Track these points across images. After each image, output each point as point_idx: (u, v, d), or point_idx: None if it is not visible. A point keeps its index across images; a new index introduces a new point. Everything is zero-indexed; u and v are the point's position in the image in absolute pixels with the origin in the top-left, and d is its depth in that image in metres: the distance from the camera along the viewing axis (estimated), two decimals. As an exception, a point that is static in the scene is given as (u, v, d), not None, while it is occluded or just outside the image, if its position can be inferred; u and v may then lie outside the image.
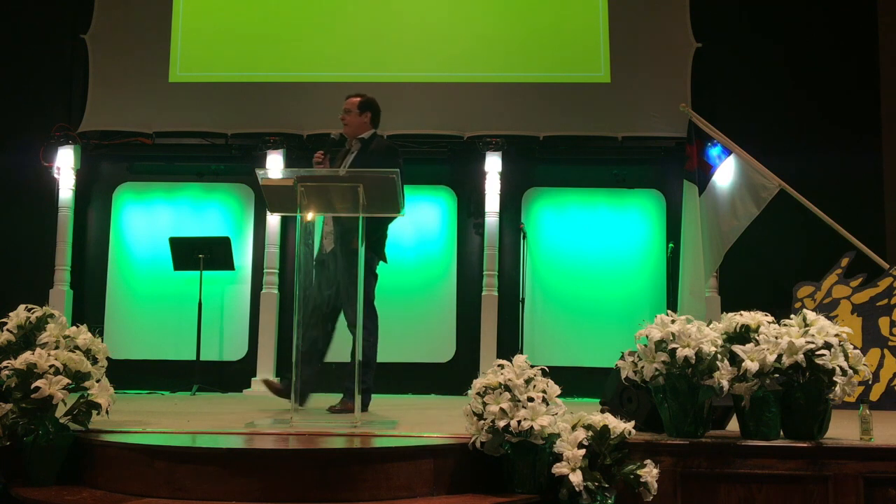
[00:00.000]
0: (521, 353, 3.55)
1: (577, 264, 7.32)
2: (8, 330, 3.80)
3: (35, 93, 7.57)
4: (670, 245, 7.17)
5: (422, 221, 7.40)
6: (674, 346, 3.43)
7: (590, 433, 3.25)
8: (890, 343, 5.66)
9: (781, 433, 3.56)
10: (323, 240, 4.86)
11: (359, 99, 4.96)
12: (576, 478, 3.13)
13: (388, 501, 3.11)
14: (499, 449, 3.26)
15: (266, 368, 7.04)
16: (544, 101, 7.34)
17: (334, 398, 4.66)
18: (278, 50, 7.48)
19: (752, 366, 3.44)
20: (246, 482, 3.06)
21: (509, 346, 6.80)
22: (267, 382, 5.20)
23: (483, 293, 7.09)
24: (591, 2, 7.44)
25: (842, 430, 3.71)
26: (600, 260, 7.31)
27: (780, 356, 3.46)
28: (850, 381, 3.50)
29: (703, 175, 6.71)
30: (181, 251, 6.93)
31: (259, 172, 4.19)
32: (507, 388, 3.27)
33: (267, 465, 3.09)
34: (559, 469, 3.17)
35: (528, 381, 3.31)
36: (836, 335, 3.51)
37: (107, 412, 3.55)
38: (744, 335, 3.61)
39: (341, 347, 4.62)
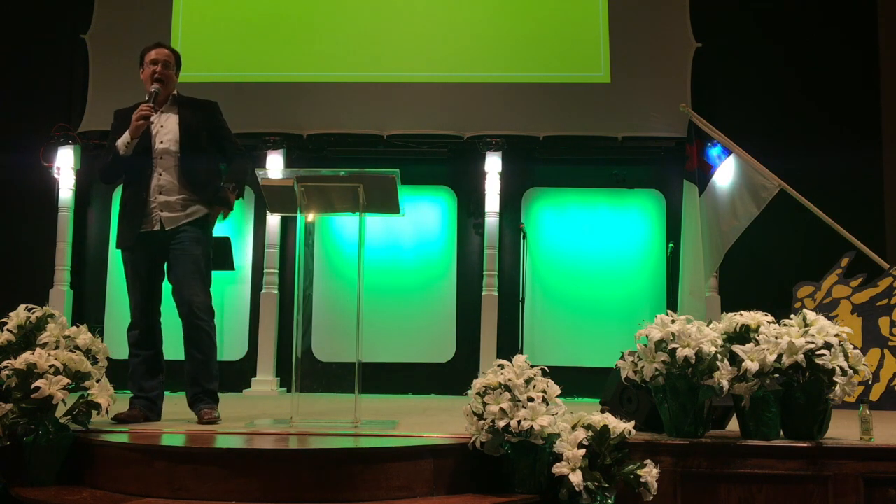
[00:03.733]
0: (521, 353, 3.54)
1: (577, 264, 7.32)
2: (8, 330, 3.80)
3: (35, 93, 7.56)
4: (670, 245, 7.16)
5: (422, 221, 7.40)
6: (674, 346, 3.43)
7: (590, 433, 3.25)
8: (890, 343, 5.66)
9: (781, 433, 3.56)
10: (154, 212, 4.14)
11: (172, 53, 4.35)
12: (576, 478, 3.13)
13: (388, 501, 3.11)
14: (499, 449, 3.26)
15: (266, 368, 7.03)
16: (544, 101, 7.33)
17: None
18: (278, 50, 7.48)
19: (752, 366, 3.44)
20: (246, 482, 3.06)
21: (509, 346, 6.79)
22: (116, 418, 3.97)
23: (483, 293, 7.08)
24: (591, 2, 7.44)
25: (842, 430, 3.71)
26: (600, 260, 7.31)
27: (780, 356, 3.46)
28: (850, 381, 3.49)
29: (703, 175, 6.70)
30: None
31: (259, 172, 4.18)
32: (507, 388, 3.27)
33: (267, 465, 3.09)
34: (559, 469, 3.17)
35: (528, 381, 3.31)
36: (836, 335, 3.51)
37: (107, 412, 3.56)
38: (744, 335, 3.61)
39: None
